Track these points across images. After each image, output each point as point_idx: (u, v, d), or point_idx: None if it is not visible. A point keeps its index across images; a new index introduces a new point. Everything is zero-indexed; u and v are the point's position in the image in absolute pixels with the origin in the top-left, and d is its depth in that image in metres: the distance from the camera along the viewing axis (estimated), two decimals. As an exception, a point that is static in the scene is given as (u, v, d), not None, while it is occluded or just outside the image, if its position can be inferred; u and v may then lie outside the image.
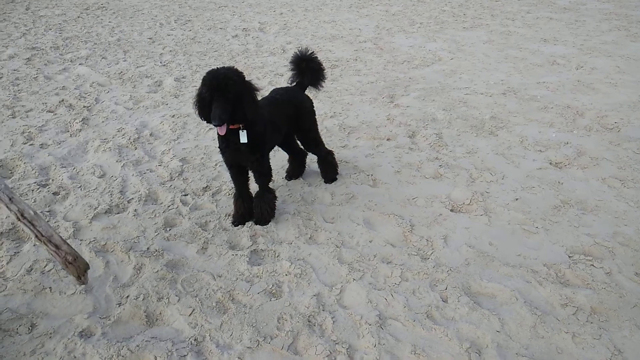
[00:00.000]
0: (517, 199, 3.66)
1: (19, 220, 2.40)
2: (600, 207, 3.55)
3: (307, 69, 3.66)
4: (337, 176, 4.03)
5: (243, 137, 3.06)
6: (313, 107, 3.76)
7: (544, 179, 3.93)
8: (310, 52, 3.67)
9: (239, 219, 3.45)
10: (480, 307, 2.67)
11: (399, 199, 3.72)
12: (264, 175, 3.38)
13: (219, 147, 3.26)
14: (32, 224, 2.40)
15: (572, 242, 3.19)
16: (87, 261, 2.41)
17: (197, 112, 2.99)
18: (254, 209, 3.44)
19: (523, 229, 3.32)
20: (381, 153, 4.42)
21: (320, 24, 9.45)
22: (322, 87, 3.82)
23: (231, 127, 3.01)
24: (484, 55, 7.23)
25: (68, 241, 3.23)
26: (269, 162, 3.41)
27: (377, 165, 4.21)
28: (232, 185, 3.57)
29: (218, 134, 3.07)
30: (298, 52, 3.65)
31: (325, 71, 3.77)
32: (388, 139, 4.69)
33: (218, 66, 3.01)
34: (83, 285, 2.78)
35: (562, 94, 5.67)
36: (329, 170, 3.96)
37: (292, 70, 3.74)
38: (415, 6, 10.91)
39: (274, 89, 3.69)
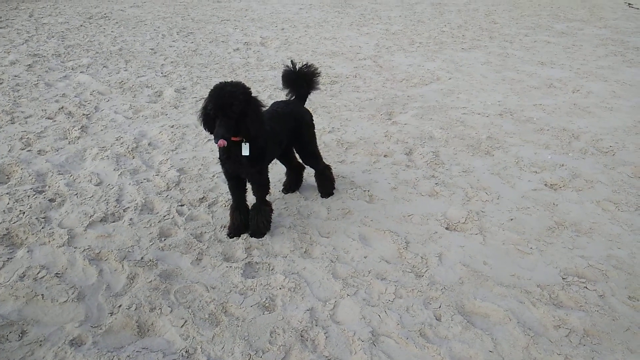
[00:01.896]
0: (512, 219, 3.68)
1: None
2: (595, 230, 3.57)
3: (301, 81, 3.70)
4: (334, 191, 4.04)
5: (245, 150, 3.08)
6: (313, 120, 3.80)
7: (539, 200, 3.95)
8: (301, 65, 3.69)
9: (234, 231, 3.44)
10: (474, 326, 2.67)
11: (394, 215, 3.74)
12: (263, 187, 3.39)
13: (219, 158, 3.27)
14: None
15: (566, 264, 3.21)
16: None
17: (202, 125, 3.06)
18: (250, 220, 3.43)
19: (517, 249, 3.34)
20: (378, 169, 4.45)
21: (321, 41, 9.56)
22: (319, 88, 3.90)
23: (233, 139, 3.01)
24: (482, 76, 7.32)
25: (62, 249, 3.23)
26: (268, 175, 3.44)
27: (373, 182, 4.23)
28: (229, 196, 3.59)
29: (222, 149, 3.11)
30: (288, 68, 3.68)
31: (319, 76, 3.79)
32: (385, 156, 4.72)
33: (226, 80, 3.05)
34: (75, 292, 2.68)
35: (558, 116, 5.74)
36: (326, 184, 3.98)
37: (286, 86, 3.76)
38: (415, 26, 11.07)
39: (274, 102, 3.72)
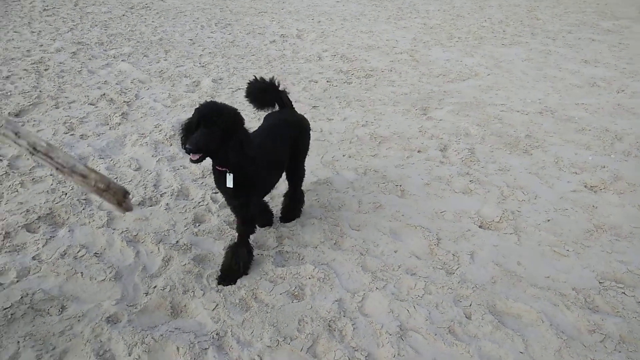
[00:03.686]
0: (549, 220, 3.59)
1: (33, 154, 2.05)
2: (635, 235, 3.44)
3: (272, 90, 3.27)
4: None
5: (229, 181, 2.75)
6: (310, 128, 3.46)
7: (578, 202, 3.84)
8: (263, 80, 3.24)
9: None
10: (505, 326, 2.63)
11: (426, 211, 3.70)
12: (246, 223, 2.99)
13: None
14: (49, 156, 2.04)
15: (603, 268, 3.11)
16: (125, 188, 2.03)
17: (180, 138, 2.73)
18: (224, 258, 3.00)
19: (553, 251, 3.26)
20: (411, 164, 4.41)
21: (357, 34, 9.50)
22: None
23: (218, 168, 2.76)
24: (522, 73, 7.13)
25: (101, 230, 3.35)
26: (257, 209, 3.14)
27: (406, 177, 4.19)
28: None
29: (214, 171, 2.86)
30: (255, 85, 3.23)
31: (283, 92, 3.35)
32: (419, 151, 4.67)
33: (219, 102, 2.72)
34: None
35: (601, 116, 5.54)
36: (298, 208, 3.58)
37: (260, 103, 3.29)
38: (454, 20, 10.86)
39: (267, 115, 3.36)
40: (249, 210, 2.93)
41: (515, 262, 3.15)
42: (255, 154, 2.69)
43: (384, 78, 6.91)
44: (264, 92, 3.24)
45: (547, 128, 5.21)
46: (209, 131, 2.49)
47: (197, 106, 2.60)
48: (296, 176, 3.44)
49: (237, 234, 3.01)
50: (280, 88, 3.30)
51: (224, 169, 2.73)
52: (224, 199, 3.13)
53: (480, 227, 3.52)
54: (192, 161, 2.49)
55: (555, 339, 2.53)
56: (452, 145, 4.76)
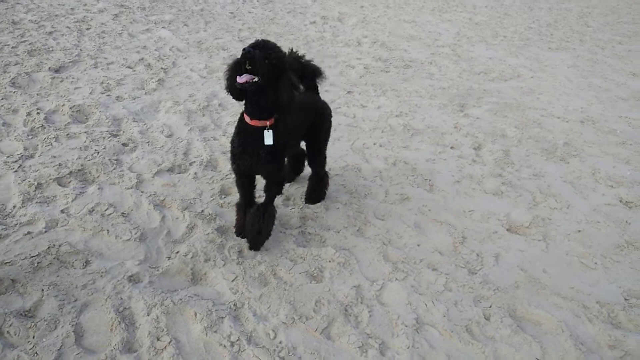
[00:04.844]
0: (579, 231, 3.49)
1: None
2: (670, 256, 3.32)
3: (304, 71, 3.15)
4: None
5: (268, 139, 2.63)
6: (331, 115, 3.40)
7: (611, 216, 3.72)
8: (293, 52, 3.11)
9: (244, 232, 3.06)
10: (523, 331, 2.57)
11: (454, 208, 3.64)
12: (278, 186, 2.95)
13: (231, 152, 2.82)
14: None
15: (630, 285, 3.01)
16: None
17: (225, 78, 2.58)
18: (251, 224, 2.89)
19: (581, 263, 3.17)
20: (443, 160, 4.33)
21: (399, 23, 9.34)
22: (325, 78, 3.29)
23: (253, 122, 2.63)
24: (567, 80, 6.90)
25: (130, 191, 3.40)
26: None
27: (436, 172, 4.12)
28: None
29: (237, 131, 2.72)
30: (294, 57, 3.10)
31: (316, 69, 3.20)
32: (452, 147, 4.58)
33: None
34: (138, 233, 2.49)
35: (645, 132, 5.33)
36: (322, 191, 3.53)
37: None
38: (501, 18, 10.57)
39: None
40: (281, 173, 2.86)
41: (541, 270, 3.07)
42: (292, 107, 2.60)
43: (422, 70, 6.78)
44: (303, 67, 3.13)
45: (587, 138, 5.04)
46: (263, 56, 2.36)
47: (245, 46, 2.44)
48: (317, 162, 3.40)
49: (265, 197, 2.92)
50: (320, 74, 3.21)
51: (260, 125, 2.62)
52: (236, 172, 2.92)
53: (508, 230, 3.44)
54: (239, 85, 2.37)
55: (573, 350, 2.47)
56: (487, 145, 4.65)
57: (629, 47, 9.05)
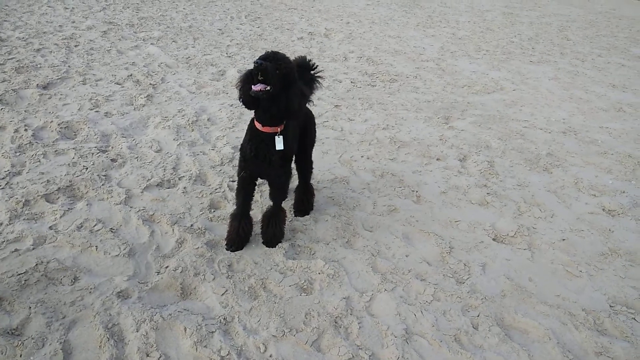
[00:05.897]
0: (563, 240, 3.55)
1: None
2: (652, 263, 3.39)
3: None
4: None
5: (279, 144, 2.78)
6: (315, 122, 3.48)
7: (594, 224, 3.80)
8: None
9: (239, 243, 3.10)
10: (511, 340, 2.61)
11: (441, 219, 3.69)
12: (284, 190, 3.10)
13: (241, 158, 2.95)
14: None
15: (615, 292, 3.07)
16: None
17: (238, 88, 2.71)
18: (266, 227, 3.12)
19: (566, 271, 3.23)
20: (429, 172, 4.40)
21: (384, 38, 9.50)
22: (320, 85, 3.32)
23: (264, 129, 2.77)
24: (548, 92, 7.06)
25: (119, 207, 3.40)
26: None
27: (423, 183, 4.18)
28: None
29: (249, 138, 2.83)
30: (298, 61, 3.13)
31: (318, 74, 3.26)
32: (438, 159, 4.66)
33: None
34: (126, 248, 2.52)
35: (625, 142, 5.46)
36: (310, 200, 3.59)
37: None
38: (484, 33, 10.79)
39: None
40: (288, 177, 3.06)
41: (527, 278, 3.12)
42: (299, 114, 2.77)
43: (408, 84, 6.90)
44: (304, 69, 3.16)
45: (569, 148, 5.15)
46: (274, 67, 2.52)
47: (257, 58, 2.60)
48: (305, 167, 3.49)
49: (274, 202, 3.12)
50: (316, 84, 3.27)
51: (272, 131, 2.77)
52: (243, 178, 2.98)
53: (494, 239, 3.50)
54: (253, 92, 2.53)
55: (560, 357, 2.51)
56: (472, 157, 4.73)
57: (607, 60, 9.29)
